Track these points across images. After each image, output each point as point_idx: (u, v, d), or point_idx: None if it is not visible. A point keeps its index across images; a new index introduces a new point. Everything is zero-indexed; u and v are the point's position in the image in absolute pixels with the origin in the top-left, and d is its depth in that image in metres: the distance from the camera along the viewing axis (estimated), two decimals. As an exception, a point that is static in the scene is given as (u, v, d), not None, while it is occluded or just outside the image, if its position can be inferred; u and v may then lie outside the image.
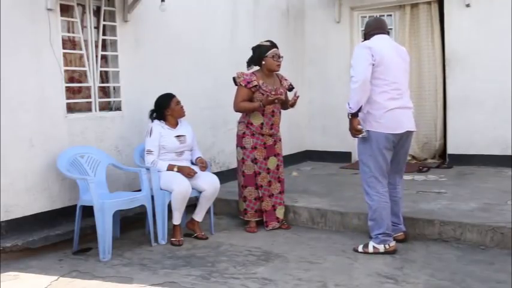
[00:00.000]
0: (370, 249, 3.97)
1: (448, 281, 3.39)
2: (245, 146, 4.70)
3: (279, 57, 4.63)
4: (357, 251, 4.02)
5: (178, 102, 4.61)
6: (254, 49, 4.70)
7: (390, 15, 7.26)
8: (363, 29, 4.16)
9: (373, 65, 3.80)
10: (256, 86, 4.58)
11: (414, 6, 7.08)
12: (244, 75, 4.63)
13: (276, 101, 4.52)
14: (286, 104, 4.78)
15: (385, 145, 3.89)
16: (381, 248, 3.95)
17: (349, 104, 3.85)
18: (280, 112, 4.77)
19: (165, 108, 4.56)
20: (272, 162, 4.76)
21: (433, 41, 6.98)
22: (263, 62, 4.61)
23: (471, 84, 6.64)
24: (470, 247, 4.03)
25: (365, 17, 7.33)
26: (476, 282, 3.35)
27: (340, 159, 7.26)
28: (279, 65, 4.65)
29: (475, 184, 5.64)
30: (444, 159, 6.99)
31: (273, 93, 4.60)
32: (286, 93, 4.82)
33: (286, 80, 4.86)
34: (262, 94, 4.59)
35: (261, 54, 4.62)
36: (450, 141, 6.88)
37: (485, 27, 6.52)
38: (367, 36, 4.04)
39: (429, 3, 6.97)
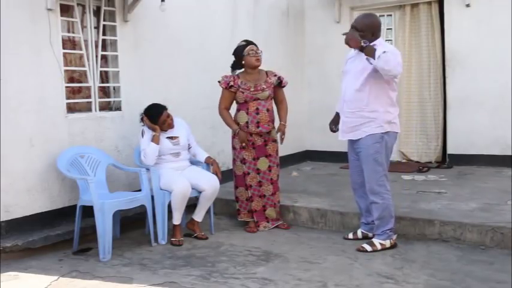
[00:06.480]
0: (378, 246, 4.00)
1: (448, 281, 3.39)
2: (235, 146, 4.73)
3: (256, 52, 4.65)
4: (365, 251, 3.99)
5: (167, 117, 4.54)
6: (234, 53, 4.75)
7: (390, 15, 7.25)
8: (374, 26, 3.92)
9: None
10: (232, 86, 4.62)
11: (414, 6, 7.07)
12: (225, 78, 4.67)
13: (244, 144, 4.62)
14: (277, 103, 4.85)
15: (394, 143, 4.04)
16: (387, 243, 3.99)
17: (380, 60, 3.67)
18: (268, 110, 4.70)
19: (153, 122, 4.52)
20: (263, 163, 4.74)
21: (433, 41, 6.97)
22: (243, 62, 4.65)
23: (471, 84, 6.64)
24: (470, 247, 4.03)
25: (365, 17, 7.33)
26: (476, 282, 3.35)
27: (340, 159, 7.22)
28: (257, 59, 4.65)
29: (475, 184, 5.64)
30: (441, 162, 6.98)
31: (252, 90, 4.63)
32: (275, 89, 4.76)
33: (275, 76, 4.79)
34: (242, 93, 4.62)
35: (240, 54, 4.67)
36: (450, 141, 6.87)
37: (485, 27, 6.52)
38: (378, 36, 3.91)
39: (429, 3, 6.97)
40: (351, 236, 4.35)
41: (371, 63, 3.75)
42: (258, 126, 4.67)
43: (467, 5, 6.55)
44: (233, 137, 4.73)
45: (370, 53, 3.72)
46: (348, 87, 4.01)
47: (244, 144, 4.63)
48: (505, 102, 6.45)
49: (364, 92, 3.90)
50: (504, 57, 6.39)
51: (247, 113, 4.66)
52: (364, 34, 3.86)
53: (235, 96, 4.67)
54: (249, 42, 4.71)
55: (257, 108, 4.66)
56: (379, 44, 3.86)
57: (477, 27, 6.57)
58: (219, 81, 4.71)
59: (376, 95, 3.88)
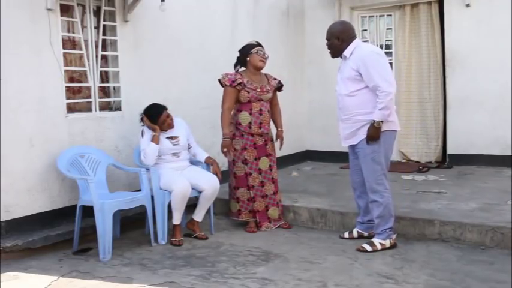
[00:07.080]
0: (378, 246, 3.99)
1: (448, 281, 3.39)
2: (235, 147, 4.70)
3: (264, 54, 4.66)
4: (365, 251, 3.99)
5: (167, 117, 4.53)
6: (240, 50, 4.75)
7: (390, 15, 7.26)
8: (337, 31, 4.01)
9: None
10: (240, 83, 4.59)
11: (414, 6, 7.07)
12: (229, 75, 4.65)
13: (225, 150, 4.62)
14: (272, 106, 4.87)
15: (393, 142, 4.04)
16: (387, 243, 3.99)
17: (383, 115, 3.83)
18: (268, 111, 4.76)
19: (153, 122, 4.51)
20: (264, 163, 4.75)
21: (433, 41, 6.98)
22: (248, 59, 4.64)
23: (471, 84, 6.65)
24: (470, 247, 4.03)
25: (365, 17, 7.33)
26: (476, 282, 3.35)
27: (340, 159, 7.23)
28: (262, 61, 4.66)
29: (475, 184, 5.64)
30: (441, 162, 6.98)
31: (259, 90, 4.63)
32: (274, 92, 4.82)
33: (275, 79, 4.86)
34: (248, 92, 4.60)
35: (246, 52, 4.66)
36: (450, 141, 6.87)
37: (485, 27, 6.53)
38: (349, 40, 3.98)
39: (429, 3, 6.97)
40: (346, 235, 4.36)
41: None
42: (260, 127, 4.68)
43: (467, 5, 6.56)
44: (233, 138, 4.72)
45: (380, 121, 3.85)
46: (339, 94, 4.06)
47: (225, 150, 4.62)
48: (505, 102, 6.46)
49: (355, 96, 3.93)
50: (504, 57, 6.40)
51: (250, 114, 4.66)
52: (330, 42, 4.05)
53: (238, 94, 4.64)
54: (259, 44, 4.72)
55: (260, 109, 4.67)
56: (357, 46, 3.95)
57: (477, 27, 6.57)
58: (219, 80, 4.68)
59: (368, 98, 3.89)
